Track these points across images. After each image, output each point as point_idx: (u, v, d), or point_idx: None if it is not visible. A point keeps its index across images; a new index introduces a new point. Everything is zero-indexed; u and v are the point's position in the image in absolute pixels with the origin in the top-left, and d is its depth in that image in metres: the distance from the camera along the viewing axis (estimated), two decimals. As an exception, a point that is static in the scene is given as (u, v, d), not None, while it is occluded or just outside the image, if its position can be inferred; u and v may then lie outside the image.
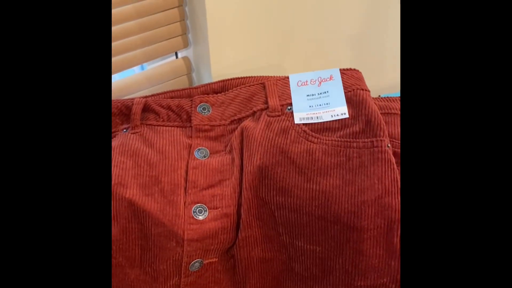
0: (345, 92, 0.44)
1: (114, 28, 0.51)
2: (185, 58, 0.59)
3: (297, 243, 0.41)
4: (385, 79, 0.73)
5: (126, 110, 0.47)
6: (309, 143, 0.41)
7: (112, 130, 0.48)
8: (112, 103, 0.48)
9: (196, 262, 0.41)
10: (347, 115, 0.42)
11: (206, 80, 0.59)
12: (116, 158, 0.42)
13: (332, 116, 0.42)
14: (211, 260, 0.43)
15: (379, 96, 0.73)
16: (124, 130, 0.47)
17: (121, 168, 0.42)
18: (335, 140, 0.41)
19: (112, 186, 0.40)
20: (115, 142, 0.45)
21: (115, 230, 0.40)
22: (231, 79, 0.49)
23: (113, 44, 0.51)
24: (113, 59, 0.53)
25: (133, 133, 0.45)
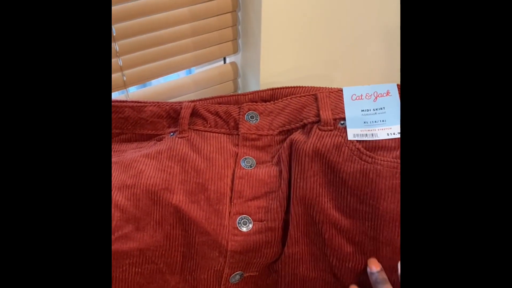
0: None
1: (167, 30, 0.50)
2: (233, 64, 0.58)
3: (346, 265, 0.39)
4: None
5: (174, 113, 0.47)
6: (363, 162, 0.39)
7: (159, 133, 0.47)
8: (161, 106, 0.47)
9: (236, 274, 0.40)
10: (404, 135, 0.40)
11: (252, 87, 0.58)
12: (163, 162, 0.42)
13: (388, 134, 0.41)
14: (251, 274, 0.42)
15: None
16: (171, 134, 0.46)
17: (168, 173, 0.41)
18: (390, 161, 0.39)
19: (158, 190, 0.40)
20: (162, 146, 0.44)
21: (159, 235, 0.39)
22: (280, 88, 0.48)
23: (166, 46, 0.51)
24: (165, 61, 0.53)
25: (181, 138, 0.45)
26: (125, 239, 0.38)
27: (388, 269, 0.38)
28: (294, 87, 0.48)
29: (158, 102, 0.48)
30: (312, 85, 0.49)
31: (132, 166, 0.42)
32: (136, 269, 0.39)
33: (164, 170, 0.41)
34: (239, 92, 0.62)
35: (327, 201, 0.39)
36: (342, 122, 0.43)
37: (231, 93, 0.56)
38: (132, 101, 0.47)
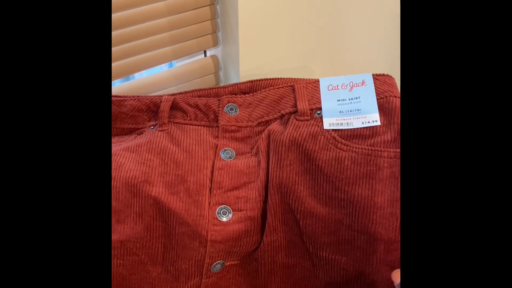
0: (377, 99, 0.43)
1: (144, 25, 0.51)
2: (214, 57, 0.59)
3: (321, 253, 0.40)
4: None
5: (154, 107, 0.47)
6: (338, 150, 0.40)
7: (139, 127, 0.48)
8: (140, 100, 0.48)
9: (217, 263, 0.41)
10: (378, 123, 0.41)
11: (233, 79, 0.59)
12: (143, 155, 0.42)
13: (363, 123, 0.42)
14: (232, 263, 0.42)
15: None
16: (152, 127, 0.47)
17: (148, 165, 0.42)
18: (365, 149, 0.40)
19: (138, 183, 0.41)
20: (142, 139, 0.45)
21: (139, 227, 0.40)
22: (259, 80, 0.49)
23: (143, 40, 0.52)
24: (143, 56, 0.53)
25: (161, 131, 0.45)
26: (105, 231, 0.39)
27: (364, 261, 0.38)
28: (272, 79, 0.49)
29: (138, 96, 0.48)
30: (291, 77, 0.49)
31: (112, 159, 0.42)
32: (118, 261, 0.40)
33: (143, 163, 0.42)
34: (221, 85, 0.63)
35: (303, 189, 0.40)
36: (318, 112, 0.43)
37: (212, 86, 0.56)
38: (112, 96, 0.47)
